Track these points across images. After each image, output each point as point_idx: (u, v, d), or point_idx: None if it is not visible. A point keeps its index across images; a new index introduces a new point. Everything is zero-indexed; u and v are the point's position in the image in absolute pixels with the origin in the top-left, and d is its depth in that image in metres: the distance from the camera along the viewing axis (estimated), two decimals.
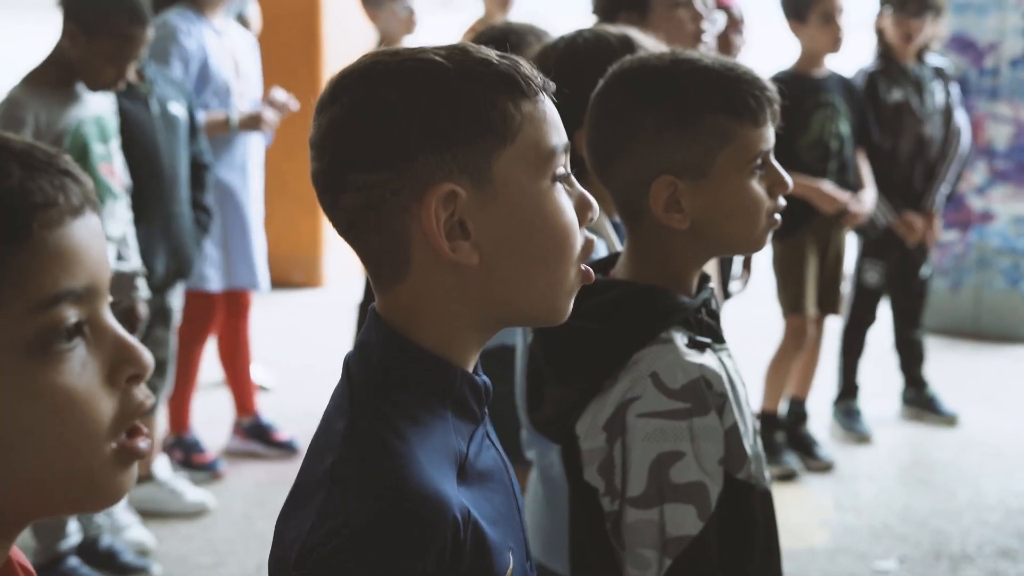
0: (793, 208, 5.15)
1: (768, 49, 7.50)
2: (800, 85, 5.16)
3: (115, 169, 3.99)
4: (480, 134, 1.40)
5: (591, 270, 1.50)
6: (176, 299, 4.67)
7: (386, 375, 1.43)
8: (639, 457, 1.90)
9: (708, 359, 1.96)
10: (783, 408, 5.44)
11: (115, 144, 4.02)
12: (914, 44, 5.50)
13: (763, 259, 5.41)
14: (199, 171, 4.66)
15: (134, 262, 4.11)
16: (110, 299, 1.15)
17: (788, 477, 5.20)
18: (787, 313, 5.32)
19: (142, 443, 1.14)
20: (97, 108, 3.95)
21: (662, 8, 3.48)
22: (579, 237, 1.47)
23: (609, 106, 2.03)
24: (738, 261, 5.18)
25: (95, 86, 3.86)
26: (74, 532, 4.16)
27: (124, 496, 1.15)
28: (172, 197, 4.46)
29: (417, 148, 1.39)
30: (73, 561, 4.14)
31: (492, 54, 1.44)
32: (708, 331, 2.00)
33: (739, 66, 2.02)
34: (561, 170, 1.46)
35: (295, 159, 6.57)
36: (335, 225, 1.46)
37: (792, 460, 5.27)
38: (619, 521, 1.93)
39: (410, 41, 5.58)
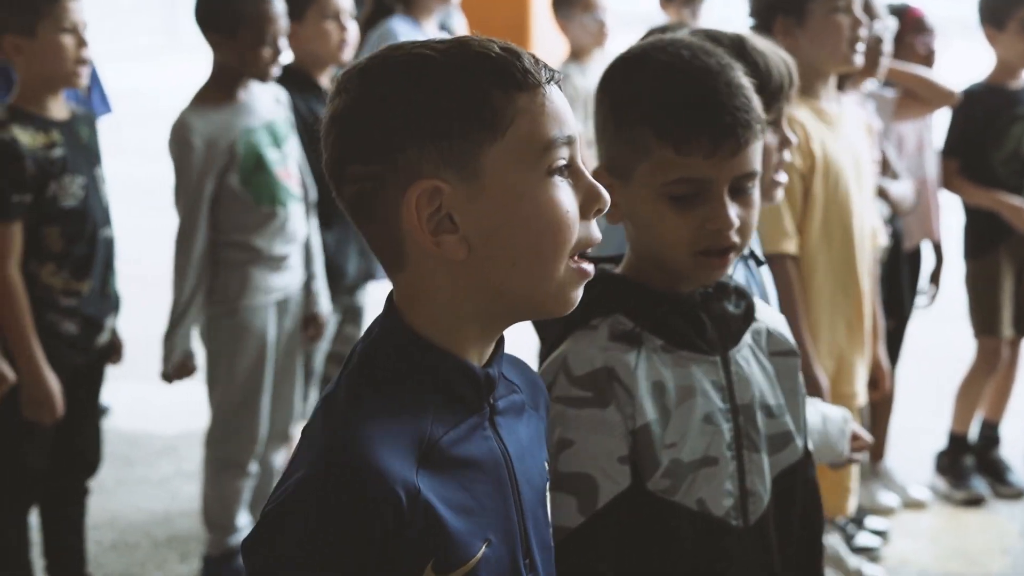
0: (987, 225, 5.03)
1: (963, 61, 7.27)
2: (995, 97, 5.01)
3: (291, 171, 4.10)
4: (468, 127, 1.42)
5: (590, 267, 1.49)
6: (367, 298, 4.79)
7: (375, 353, 1.48)
8: (550, 439, 1.86)
9: (631, 356, 1.88)
10: (974, 431, 5.26)
11: (289, 147, 4.12)
12: None
13: (956, 276, 5.26)
14: None
15: (304, 272, 4.24)
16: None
17: (975, 502, 5.03)
18: (980, 334, 5.14)
19: None
20: (268, 115, 4.06)
21: (820, 13, 3.45)
22: (574, 229, 1.46)
23: (597, 88, 2.04)
24: (924, 275, 5.06)
25: (264, 75, 3.97)
26: (246, 526, 4.26)
27: None
28: None
29: (404, 141, 1.42)
30: None
31: (494, 47, 1.45)
32: (672, 333, 1.93)
33: (712, 79, 1.92)
34: (561, 161, 1.46)
35: None
36: (345, 214, 1.51)
37: (980, 485, 5.10)
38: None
39: (600, 54, 5.61)
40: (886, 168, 4.49)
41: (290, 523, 1.38)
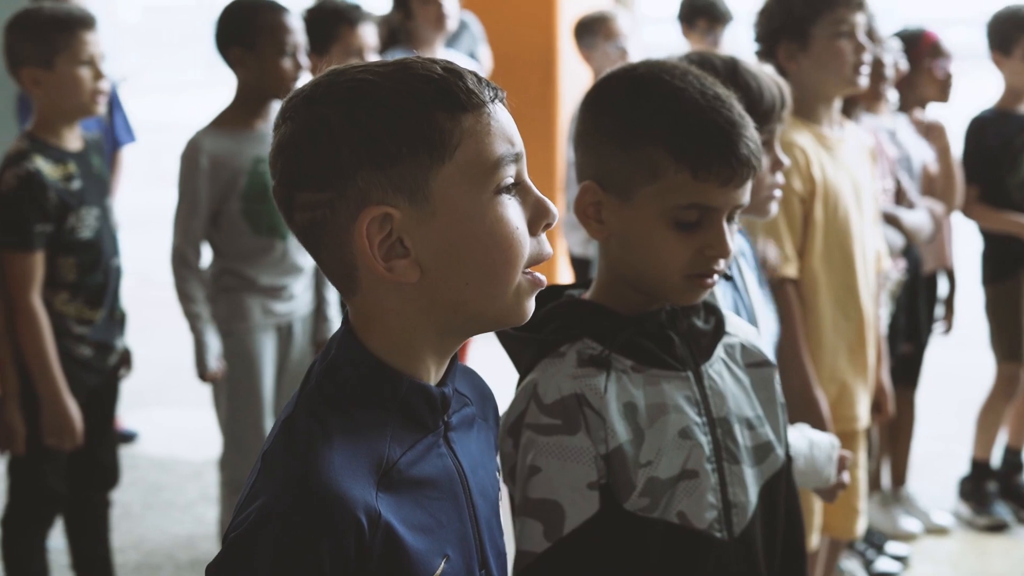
0: (1007, 250, 5.03)
1: (976, 86, 7.29)
2: (1006, 123, 5.03)
3: None
4: (415, 151, 1.42)
5: (541, 277, 1.50)
6: None
7: (333, 375, 1.49)
8: (520, 467, 1.89)
9: (599, 380, 1.89)
10: (997, 457, 5.25)
11: None
12: None
13: (976, 302, 5.26)
14: None
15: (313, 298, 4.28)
16: None
17: (998, 528, 5.02)
18: (1001, 359, 5.13)
19: None
20: None
21: (823, 38, 3.46)
22: (526, 245, 1.47)
23: (588, 98, 2.02)
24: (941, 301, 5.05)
25: (286, 91, 3.97)
26: None
27: None
28: None
29: (351, 168, 1.41)
30: None
31: (436, 68, 1.45)
32: (640, 352, 1.94)
33: (727, 108, 1.93)
34: (509, 179, 1.46)
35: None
36: (298, 240, 1.50)
37: (1003, 511, 5.08)
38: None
39: None
40: (902, 196, 4.50)
41: (256, 551, 1.38)
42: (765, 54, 3.57)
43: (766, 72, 2.60)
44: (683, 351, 1.97)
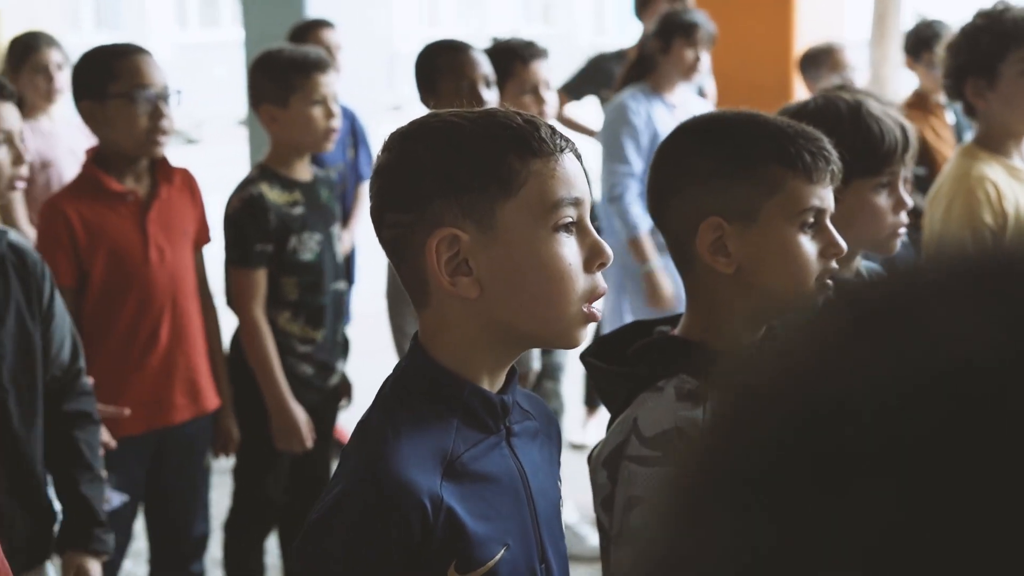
0: None
1: None
2: None
3: None
4: (486, 185, 1.63)
5: (598, 311, 1.68)
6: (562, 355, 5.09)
7: (405, 380, 1.72)
8: (619, 498, 1.96)
9: (698, 413, 1.96)
10: None
11: None
12: None
13: None
14: None
15: None
16: None
17: None
18: None
19: None
20: None
21: (1010, 75, 3.45)
22: (579, 280, 1.66)
23: (668, 149, 2.11)
24: None
25: None
26: None
27: None
28: None
29: (431, 194, 1.64)
30: None
31: (517, 118, 1.67)
32: None
33: (802, 125, 2.06)
34: (567, 219, 1.66)
35: None
36: (385, 255, 1.74)
37: None
38: (609, 557, 2.01)
39: None
40: None
41: (333, 531, 1.60)
42: (952, 90, 3.62)
43: (890, 115, 2.67)
44: None
